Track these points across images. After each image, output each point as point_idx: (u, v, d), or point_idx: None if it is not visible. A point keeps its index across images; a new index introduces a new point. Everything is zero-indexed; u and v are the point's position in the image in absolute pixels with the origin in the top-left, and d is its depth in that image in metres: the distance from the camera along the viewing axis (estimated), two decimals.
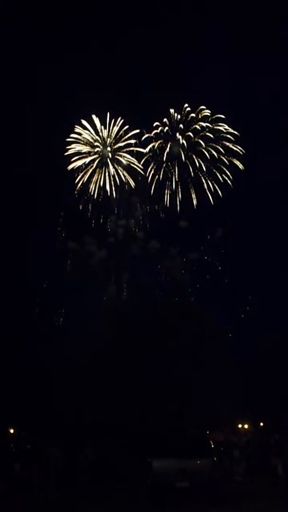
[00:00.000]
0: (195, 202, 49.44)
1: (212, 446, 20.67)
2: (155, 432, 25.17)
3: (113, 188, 52.12)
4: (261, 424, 38.06)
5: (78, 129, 52.87)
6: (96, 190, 52.05)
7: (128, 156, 52.62)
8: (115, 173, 52.53)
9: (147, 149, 52.39)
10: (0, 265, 39.20)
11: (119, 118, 52.58)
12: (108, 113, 52.43)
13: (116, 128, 52.76)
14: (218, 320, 34.94)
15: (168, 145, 51.66)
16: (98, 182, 52.37)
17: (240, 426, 39.12)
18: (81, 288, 39.95)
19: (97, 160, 52.82)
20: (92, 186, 52.14)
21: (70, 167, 52.23)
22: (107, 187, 52.16)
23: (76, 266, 44.94)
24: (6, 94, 50.39)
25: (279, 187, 48.17)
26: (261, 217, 46.87)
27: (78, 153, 52.47)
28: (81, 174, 52.46)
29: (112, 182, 52.35)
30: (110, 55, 58.98)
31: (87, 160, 52.62)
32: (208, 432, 24.59)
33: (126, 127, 52.58)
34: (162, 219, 49.46)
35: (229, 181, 49.69)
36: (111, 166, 52.79)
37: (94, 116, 52.75)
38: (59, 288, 41.77)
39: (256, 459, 26.49)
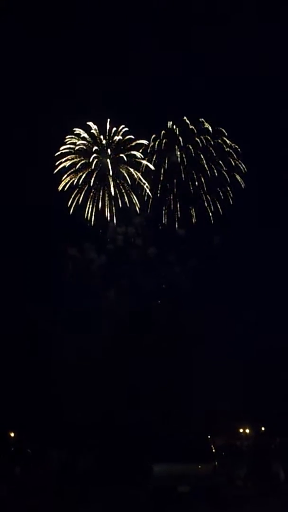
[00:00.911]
0: (194, 213, 47.09)
1: (213, 450, 20.59)
2: (156, 436, 25.09)
3: (114, 212, 46.36)
4: (262, 428, 37.96)
5: (72, 139, 46.90)
6: (93, 214, 46.11)
7: (132, 170, 46.98)
8: (117, 194, 46.48)
9: (145, 161, 47.76)
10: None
11: (121, 126, 47.20)
12: (108, 120, 47.20)
13: (117, 138, 46.88)
14: (218, 325, 34.83)
15: (166, 160, 48.19)
16: (95, 205, 46.34)
17: (241, 430, 39.02)
18: (81, 293, 39.41)
19: (93, 177, 46.58)
20: (88, 209, 46.21)
21: (61, 186, 46.12)
22: (107, 212, 46.31)
23: (76, 272, 43.34)
24: None
25: (277, 196, 47.85)
26: (259, 222, 46.81)
27: (71, 166, 46.68)
28: (75, 192, 46.49)
29: (113, 205, 46.49)
30: (104, 60, 56.42)
31: (82, 176, 46.56)
32: (209, 437, 24.47)
33: (130, 136, 47.39)
34: (160, 229, 47.07)
35: (229, 198, 47.44)
36: (112, 186, 46.69)
37: (91, 123, 46.83)
38: (59, 292, 41.20)
39: (257, 463, 26.37)
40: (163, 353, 32.19)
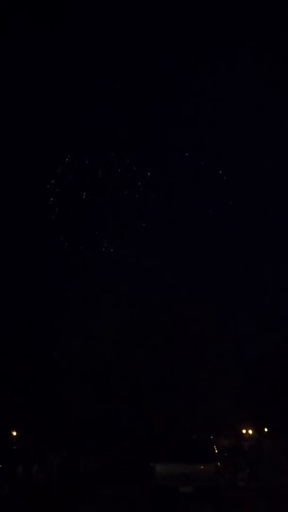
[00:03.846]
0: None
1: (216, 451, 20.52)
2: (158, 436, 25.05)
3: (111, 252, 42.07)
4: (265, 429, 37.84)
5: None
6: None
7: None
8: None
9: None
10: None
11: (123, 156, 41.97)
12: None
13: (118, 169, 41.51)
14: (221, 323, 34.75)
15: None
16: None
17: (244, 431, 38.96)
18: (82, 297, 38.88)
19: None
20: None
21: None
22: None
23: (75, 278, 41.94)
24: None
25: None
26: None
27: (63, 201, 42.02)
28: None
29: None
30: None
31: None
32: (211, 437, 24.47)
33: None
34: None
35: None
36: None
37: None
38: (60, 296, 40.45)
39: (259, 464, 26.31)
40: (166, 353, 32.13)
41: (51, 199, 42.83)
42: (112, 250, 41.97)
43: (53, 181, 42.05)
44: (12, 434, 34.02)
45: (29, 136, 45.39)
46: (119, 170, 43.37)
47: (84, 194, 42.39)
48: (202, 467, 18.54)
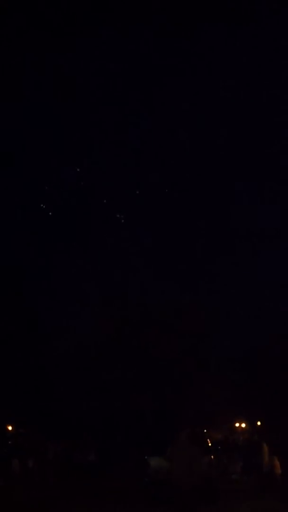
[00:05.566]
0: None
1: (209, 444, 20.70)
2: (153, 429, 25.26)
3: None
4: (258, 423, 38.13)
5: None
6: None
7: None
8: None
9: None
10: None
11: None
12: None
13: None
14: (215, 317, 34.92)
15: None
16: None
17: (237, 425, 39.21)
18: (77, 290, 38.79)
19: None
20: None
21: None
22: None
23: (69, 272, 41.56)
24: None
25: None
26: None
27: None
28: None
29: None
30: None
31: None
32: (205, 431, 24.73)
33: None
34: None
35: None
36: None
37: None
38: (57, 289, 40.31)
39: (253, 458, 26.59)
40: (162, 348, 32.28)
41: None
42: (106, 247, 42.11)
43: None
44: (7, 429, 34.15)
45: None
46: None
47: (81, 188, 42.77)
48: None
